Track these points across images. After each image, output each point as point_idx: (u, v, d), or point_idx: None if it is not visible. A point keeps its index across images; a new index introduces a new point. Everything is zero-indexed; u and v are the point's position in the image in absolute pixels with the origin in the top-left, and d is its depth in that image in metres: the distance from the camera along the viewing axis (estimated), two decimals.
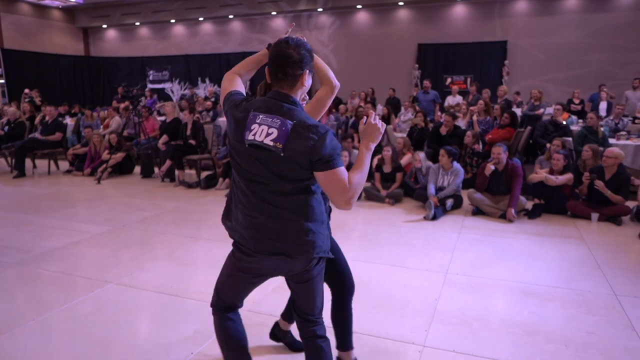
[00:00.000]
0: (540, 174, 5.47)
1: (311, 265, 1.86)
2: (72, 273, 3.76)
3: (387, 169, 6.20)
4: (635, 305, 3.17)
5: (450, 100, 11.30)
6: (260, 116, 1.73)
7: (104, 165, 7.50)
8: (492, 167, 5.36)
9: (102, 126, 9.44)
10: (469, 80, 15.12)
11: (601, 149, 5.79)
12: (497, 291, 3.44)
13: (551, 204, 5.41)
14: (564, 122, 7.42)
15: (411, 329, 2.89)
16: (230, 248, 1.99)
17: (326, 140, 1.68)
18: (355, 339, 2.73)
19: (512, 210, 5.16)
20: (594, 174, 5.19)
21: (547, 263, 3.98)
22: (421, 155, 6.15)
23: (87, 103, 16.28)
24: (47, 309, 3.15)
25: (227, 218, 1.94)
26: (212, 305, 2.09)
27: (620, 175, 5.17)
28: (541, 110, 8.58)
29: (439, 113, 10.57)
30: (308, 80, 1.82)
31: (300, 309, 2.00)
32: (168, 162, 7.06)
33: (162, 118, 8.93)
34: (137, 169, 8.05)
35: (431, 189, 5.61)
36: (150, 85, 18.35)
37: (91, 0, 17.76)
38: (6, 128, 8.18)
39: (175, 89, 17.03)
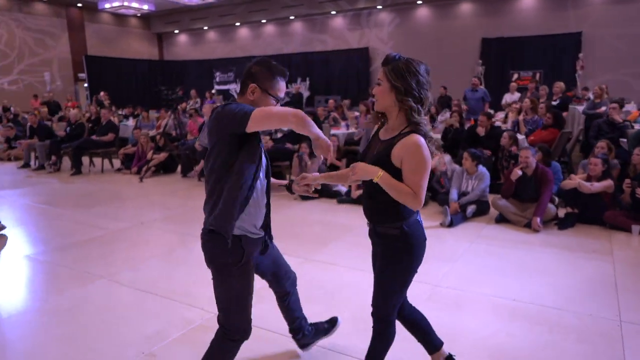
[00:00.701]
0: (574, 180, 4.94)
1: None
2: (74, 267, 4.01)
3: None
4: (639, 334, 2.76)
5: (508, 98, 10.60)
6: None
7: (147, 165, 7.93)
8: (519, 172, 4.94)
9: (155, 127, 9.99)
10: (537, 75, 14.10)
11: None
12: (482, 309, 3.16)
13: (587, 213, 4.87)
14: (626, 122, 6.66)
15: (362, 341, 2.73)
16: None
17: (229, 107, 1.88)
18: (311, 351, 2.65)
19: (538, 220, 4.71)
20: (635, 181, 4.59)
21: (556, 280, 3.58)
22: (446, 158, 5.82)
23: (160, 105, 17.38)
24: (37, 300, 3.38)
25: None
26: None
27: None
28: (602, 109, 7.77)
29: (493, 112, 9.96)
30: (259, 97, 1.98)
31: None
32: (202, 162, 7.30)
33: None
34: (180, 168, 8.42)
35: (453, 194, 5.29)
36: (216, 87, 19.18)
37: (164, 7, 18.86)
38: (68, 129, 8.93)
39: (238, 90, 17.67)
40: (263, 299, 2.70)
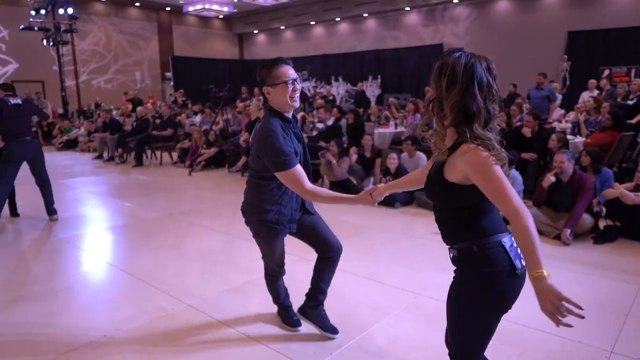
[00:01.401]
0: (616, 189, 4.35)
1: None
2: (87, 250, 4.34)
3: None
4: None
5: (585, 96, 9.60)
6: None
7: (200, 159, 8.33)
8: (552, 179, 4.45)
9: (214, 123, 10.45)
10: (633, 71, 12.62)
11: None
12: None
13: (631, 227, 4.26)
14: None
15: (317, 350, 2.63)
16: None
17: (271, 141, 2.23)
18: (249, 348, 2.64)
19: (568, 232, 4.21)
20: None
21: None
22: None
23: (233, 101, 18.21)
24: (42, 280, 3.70)
25: None
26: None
27: None
28: None
29: (561, 112, 9.10)
30: (274, 92, 2.30)
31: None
32: (243, 159, 7.52)
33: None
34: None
35: None
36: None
37: (243, 9, 19.65)
38: (134, 124, 9.66)
39: (311, 87, 17.85)
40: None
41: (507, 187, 1.45)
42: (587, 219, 4.35)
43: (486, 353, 1.74)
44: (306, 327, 2.84)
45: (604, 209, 4.68)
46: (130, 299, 3.33)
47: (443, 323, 2.89)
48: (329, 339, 2.71)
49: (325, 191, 2.40)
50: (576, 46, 13.57)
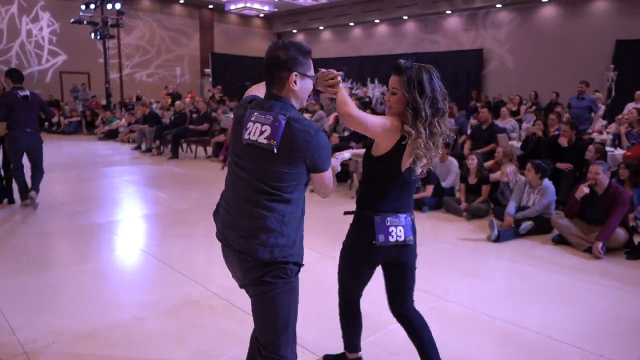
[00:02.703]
0: None
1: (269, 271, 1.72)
2: (122, 236, 4.53)
3: (471, 180, 5.55)
4: None
5: (630, 107, 9.25)
6: (255, 113, 1.72)
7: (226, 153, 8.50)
8: (586, 190, 4.34)
9: None
10: None
11: None
12: (479, 331, 2.87)
13: None
14: None
15: (336, 345, 2.68)
16: None
17: (319, 139, 1.67)
18: None
19: (599, 245, 4.10)
20: None
21: (582, 314, 3.11)
22: (510, 168, 5.32)
23: None
24: (77, 261, 3.90)
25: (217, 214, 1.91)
26: None
27: None
28: None
29: (603, 123, 8.82)
30: (301, 84, 1.74)
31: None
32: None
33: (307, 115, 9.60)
34: None
35: (510, 207, 4.83)
36: None
37: (284, 8, 19.87)
38: (172, 118, 9.95)
39: (346, 88, 17.92)
40: None
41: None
42: (620, 234, 4.22)
43: None
44: (325, 321, 2.89)
45: None
46: (159, 284, 3.47)
47: (463, 327, 2.91)
48: None
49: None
50: (624, 55, 13.08)
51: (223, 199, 1.86)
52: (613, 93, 12.69)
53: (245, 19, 21.28)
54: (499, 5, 15.23)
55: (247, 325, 2.87)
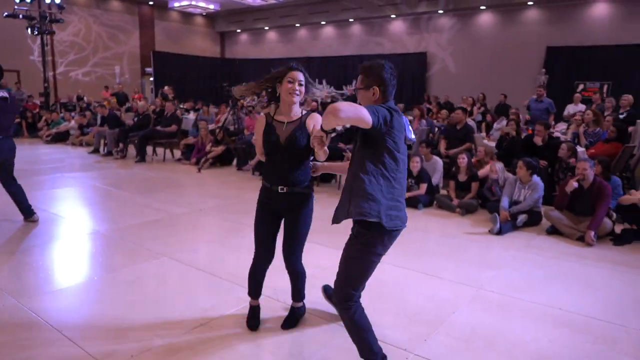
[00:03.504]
0: (634, 196, 4.78)
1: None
2: (139, 244, 4.36)
3: (462, 177, 5.93)
4: None
5: (571, 109, 10.23)
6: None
7: (207, 156, 8.34)
8: (575, 184, 4.83)
9: (214, 121, 10.46)
10: (605, 87, 13.48)
11: None
12: (525, 315, 3.17)
13: None
14: None
15: (411, 336, 2.84)
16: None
17: None
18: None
19: (592, 233, 4.61)
20: None
21: (606, 294, 3.52)
22: (498, 166, 5.77)
23: (219, 100, 18.10)
24: (112, 270, 3.72)
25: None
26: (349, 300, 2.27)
27: None
28: None
29: (553, 123, 9.68)
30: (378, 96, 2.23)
31: None
32: (257, 157, 7.59)
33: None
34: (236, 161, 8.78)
35: (504, 202, 5.25)
36: None
37: (228, 7, 19.57)
38: (135, 119, 9.53)
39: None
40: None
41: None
42: (607, 223, 4.75)
43: (563, 342, 2.00)
44: (391, 315, 3.04)
45: (614, 214, 5.11)
46: (206, 291, 3.43)
47: (511, 312, 3.17)
48: None
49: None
50: (554, 61, 14.34)
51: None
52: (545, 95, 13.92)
53: (187, 17, 20.68)
54: (440, 11, 16.07)
55: (308, 322, 2.94)
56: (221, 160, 8.65)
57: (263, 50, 21.11)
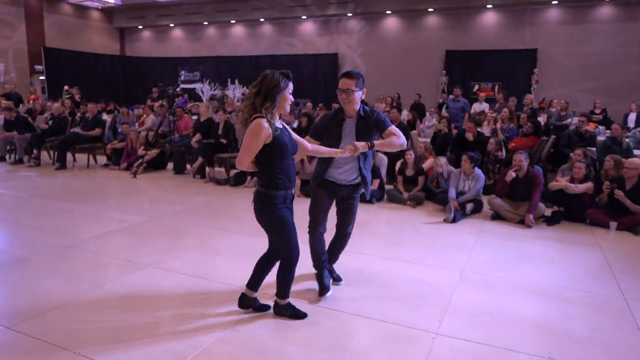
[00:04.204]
0: (560, 182, 5.59)
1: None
2: (115, 257, 4.11)
3: (409, 172, 6.40)
4: None
5: (477, 107, 11.37)
6: None
7: (140, 161, 7.92)
8: (513, 174, 5.51)
9: (137, 123, 9.91)
10: (496, 87, 15.08)
11: (624, 159, 5.86)
12: (509, 290, 3.62)
13: (570, 211, 5.52)
14: (591, 132, 7.50)
15: (425, 318, 3.11)
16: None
17: None
18: (373, 325, 2.99)
19: (531, 216, 5.30)
20: (614, 183, 5.29)
21: (561, 267, 4.13)
22: (443, 160, 6.33)
23: (121, 101, 16.98)
24: (95, 287, 3.48)
25: None
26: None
27: None
28: (568, 120, 8.64)
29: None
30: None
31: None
32: (200, 160, 7.42)
33: (194, 117, 9.37)
34: (170, 165, 8.45)
35: (452, 193, 5.79)
36: (182, 86, 18.94)
37: (128, 2, 18.44)
38: (50, 122, 8.69)
39: (205, 89, 17.49)
40: None
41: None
42: (541, 206, 5.50)
43: (549, 309, 2.49)
44: (397, 302, 3.30)
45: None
46: (212, 297, 3.37)
47: (497, 289, 3.60)
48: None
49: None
50: (453, 63, 15.77)
51: None
52: (444, 94, 15.25)
53: (81, 10, 19.08)
54: (350, 14, 16.76)
55: (316, 311, 3.21)
56: (154, 165, 8.26)
57: (169, 49, 20.24)
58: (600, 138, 7.62)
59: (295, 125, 7.15)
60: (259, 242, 4.53)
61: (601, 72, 13.66)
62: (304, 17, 17.41)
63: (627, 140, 6.88)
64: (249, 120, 2.67)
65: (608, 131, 8.59)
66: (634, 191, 5.23)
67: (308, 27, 17.89)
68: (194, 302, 3.30)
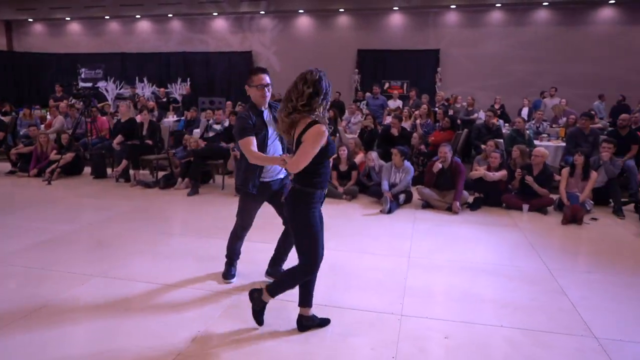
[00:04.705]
0: (479, 171, 6.16)
1: None
2: (55, 269, 3.81)
3: (343, 167, 6.64)
4: (564, 276, 3.83)
5: (391, 104, 12.01)
6: None
7: (54, 166, 7.31)
8: (440, 165, 5.97)
9: (42, 125, 9.11)
10: (405, 85, 15.99)
11: (528, 149, 6.61)
12: (453, 270, 3.97)
13: (489, 197, 6.11)
14: (497, 125, 8.31)
15: (388, 303, 3.32)
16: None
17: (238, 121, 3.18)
18: (343, 313, 3.13)
19: (457, 203, 5.79)
20: (524, 170, 5.95)
21: (490, 246, 4.60)
22: (374, 154, 6.65)
23: (10, 101, 15.38)
24: (40, 304, 3.23)
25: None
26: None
27: (545, 172, 5.98)
28: (475, 115, 9.47)
29: (388, 117, 11.25)
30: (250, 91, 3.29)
31: None
32: (124, 162, 7.04)
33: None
34: (87, 169, 7.90)
35: (385, 186, 6.11)
36: (82, 84, 17.60)
37: None
38: None
39: (110, 88, 16.43)
40: None
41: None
42: (465, 194, 6.02)
43: (491, 284, 2.89)
44: (358, 290, 3.47)
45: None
46: (177, 301, 3.30)
47: (444, 271, 3.93)
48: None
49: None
50: (364, 62, 16.44)
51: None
52: (359, 92, 15.88)
53: None
54: (262, 12, 16.72)
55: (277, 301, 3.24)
56: (69, 170, 7.66)
57: (66, 44, 18.70)
58: (504, 131, 8.47)
59: (226, 124, 7.06)
60: (207, 242, 4.51)
61: (496, 71, 15.08)
62: (215, 13, 17.04)
63: (527, 132, 7.73)
64: (305, 125, 2.55)
65: (506, 125, 9.57)
66: (541, 176, 5.93)
67: (220, 24, 17.54)
68: (158, 308, 3.20)
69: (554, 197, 5.99)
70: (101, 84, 17.69)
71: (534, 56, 14.75)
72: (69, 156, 7.49)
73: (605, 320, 3.07)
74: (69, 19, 18.28)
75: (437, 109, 9.44)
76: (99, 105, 11.91)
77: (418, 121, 8.48)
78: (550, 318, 3.10)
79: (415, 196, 6.28)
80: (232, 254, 3.66)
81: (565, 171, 5.96)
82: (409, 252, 4.36)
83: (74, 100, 10.27)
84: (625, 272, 3.94)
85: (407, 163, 6.28)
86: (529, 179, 5.87)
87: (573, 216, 5.39)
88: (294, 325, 2.93)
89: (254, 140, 3.11)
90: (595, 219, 5.58)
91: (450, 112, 10.03)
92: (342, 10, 16.13)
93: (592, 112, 8.62)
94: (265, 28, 17.16)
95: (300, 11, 16.50)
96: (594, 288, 3.61)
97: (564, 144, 7.46)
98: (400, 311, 3.18)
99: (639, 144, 6.97)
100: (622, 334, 2.89)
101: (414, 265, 4.06)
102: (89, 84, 17.64)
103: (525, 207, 5.89)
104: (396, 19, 16.09)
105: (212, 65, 17.67)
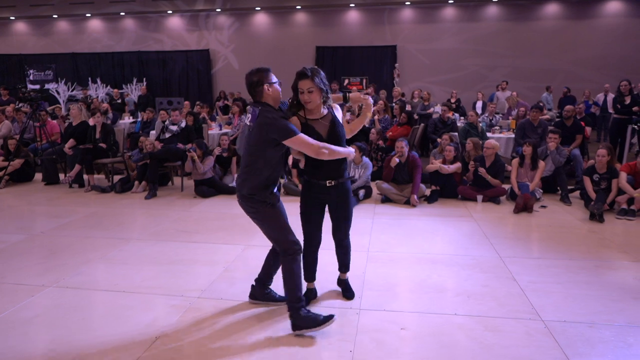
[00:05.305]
0: (435, 164, 6.33)
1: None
2: (4, 281, 3.67)
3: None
4: (514, 262, 4.00)
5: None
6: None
7: (1, 173, 6.99)
8: (397, 160, 6.09)
9: None
10: (364, 81, 16.15)
11: (481, 141, 6.83)
12: (410, 262, 4.07)
13: (445, 189, 6.29)
14: (452, 119, 8.54)
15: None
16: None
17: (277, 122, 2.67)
18: None
19: (415, 197, 5.93)
20: (477, 162, 6.16)
21: (447, 237, 4.74)
22: None
23: None
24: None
25: None
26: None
27: (497, 163, 6.20)
28: (431, 109, 9.69)
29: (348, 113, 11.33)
30: (272, 90, 2.80)
31: None
32: (77, 167, 6.82)
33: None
34: (38, 175, 7.61)
35: None
36: (30, 86, 16.86)
37: None
38: None
39: (61, 89, 15.81)
40: None
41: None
42: (423, 187, 6.17)
43: (446, 274, 3.02)
44: (324, 278, 3.52)
45: None
46: (134, 308, 3.24)
47: (401, 263, 4.08)
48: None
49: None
50: (323, 59, 16.51)
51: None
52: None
53: None
54: (218, 10, 16.50)
55: (252, 309, 3.36)
56: (18, 176, 7.36)
57: (11, 45, 17.91)
58: (460, 124, 8.72)
59: (183, 124, 6.94)
60: (166, 246, 4.44)
61: (451, 66, 15.48)
62: (169, 11, 16.70)
63: (480, 125, 7.98)
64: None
65: (462, 118, 9.86)
66: (493, 167, 6.15)
67: (175, 22, 17.20)
68: (114, 316, 3.14)
69: (506, 187, 6.23)
70: (52, 86, 17.03)
71: (486, 51, 15.24)
72: (17, 162, 7.19)
73: (551, 303, 3.24)
74: (13, 18, 17.49)
75: (394, 104, 9.60)
76: (50, 108, 11.47)
77: (376, 117, 8.60)
78: (500, 304, 3.24)
79: (375, 191, 6.38)
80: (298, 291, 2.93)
81: (516, 161, 6.20)
82: (368, 247, 4.44)
83: (20, 104, 9.86)
84: (572, 256, 4.16)
85: (365, 159, 6.37)
86: (481, 170, 6.08)
87: (524, 205, 5.62)
88: (249, 322, 2.94)
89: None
90: (544, 207, 5.84)
91: (407, 108, 10.27)
92: (299, 7, 16.14)
93: (541, 104, 8.99)
94: (222, 26, 16.96)
95: (257, 9, 16.39)
96: (542, 273, 3.78)
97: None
98: (359, 305, 3.25)
99: (583, 134, 7.34)
100: (567, 315, 3.06)
101: (373, 259, 4.14)
102: (38, 86, 16.99)
103: (480, 197, 6.10)
104: (353, 16, 16.24)
105: (169, 65, 17.33)
